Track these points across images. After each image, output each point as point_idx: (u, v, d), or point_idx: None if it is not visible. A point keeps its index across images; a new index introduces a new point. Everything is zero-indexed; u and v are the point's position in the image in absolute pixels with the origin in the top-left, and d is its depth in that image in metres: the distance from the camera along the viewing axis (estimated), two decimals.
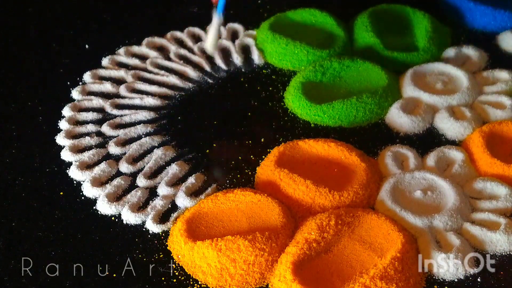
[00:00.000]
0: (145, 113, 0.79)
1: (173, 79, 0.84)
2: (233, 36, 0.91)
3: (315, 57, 0.85)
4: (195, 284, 0.62)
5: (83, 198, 0.70)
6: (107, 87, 0.83)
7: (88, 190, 0.70)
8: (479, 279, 0.62)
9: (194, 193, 0.70)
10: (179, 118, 0.79)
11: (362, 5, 0.92)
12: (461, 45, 0.88)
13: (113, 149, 0.75)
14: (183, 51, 0.88)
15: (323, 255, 0.62)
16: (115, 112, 0.79)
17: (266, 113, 0.80)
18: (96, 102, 0.81)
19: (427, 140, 0.76)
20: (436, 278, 0.62)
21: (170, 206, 0.69)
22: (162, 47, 0.89)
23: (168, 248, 0.65)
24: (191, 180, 0.71)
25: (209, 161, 0.74)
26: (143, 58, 0.87)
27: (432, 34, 0.87)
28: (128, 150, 0.74)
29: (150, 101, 0.81)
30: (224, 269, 0.61)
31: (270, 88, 0.83)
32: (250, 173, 0.72)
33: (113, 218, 0.68)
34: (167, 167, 0.73)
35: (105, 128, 0.77)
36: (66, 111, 0.79)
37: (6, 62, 0.88)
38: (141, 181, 0.71)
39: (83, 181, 0.71)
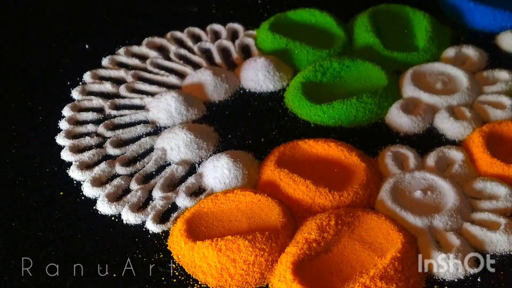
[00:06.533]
0: (145, 113, 0.79)
1: (173, 79, 0.84)
2: (233, 36, 0.91)
3: (315, 57, 0.85)
4: (195, 284, 0.62)
5: (83, 198, 0.70)
6: (107, 87, 0.83)
7: (88, 190, 0.70)
8: (479, 279, 0.62)
9: (194, 193, 0.70)
10: None
11: (362, 5, 0.92)
12: (461, 45, 0.88)
13: (112, 149, 0.75)
14: (183, 51, 0.88)
15: (323, 255, 0.62)
16: (115, 112, 0.79)
17: (266, 113, 0.80)
18: (96, 102, 0.81)
19: (427, 140, 0.76)
20: (436, 278, 0.62)
21: (170, 206, 0.69)
22: (162, 47, 0.89)
23: (168, 248, 0.65)
24: (191, 180, 0.71)
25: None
26: (143, 58, 0.87)
27: (432, 34, 0.87)
28: (128, 150, 0.74)
29: (150, 101, 0.81)
30: (224, 269, 0.61)
31: None
32: None
33: (113, 218, 0.68)
34: (167, 167, 0.73)
35: (105, 128, 0.77)
36: (66, 111, 0.79)
37: (6, 62, 0.88)
38: (140, 181, 0.71)
39: (83, 181, 0.71)
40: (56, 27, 0.94)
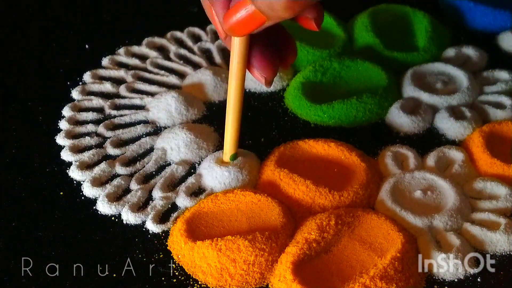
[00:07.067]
0: (145, 113, 0.79)
1: (173, 79, 0.84)
2: None
3: (315, 57, 0.85)
4: (195, 284, 0.62)
5: (83, 198, 0.70)
6: (107, 87, 0.83)
7: (88, 190, 0.70)
8: (479, 279, 0.62)
9: (194, 193, 0.70)
10: None
11: (362, 5, 0.92)
12: (461, 45, 0.88)
13: (112, 149, 0.75)
14: (183, 51, 0.88)
15: (323, 255, 0.62)
16: (115, 112, 0.79)
17: (266, 113, 0.80)
18: (96, 102, 0.81)
19: (427, 140, 0.76)
20: (436, 278, 0.62)
21: (170, 206, 0.69)
22: (162, 47, 0.89)
23: (168, 248, 0.65)
24: (191, 180, 0.71)
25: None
26: (143, 58, 0.87)
27: (432, 34, 0.87)
28: (128, 150, 0.74)
29: (150, 101, 0.80)
30: (224, 269, 0.61)
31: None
32: None
33: (113, 218, 0.68)
34: (167, 167, 0.73)
35: (105, 128, 0.77)
36: (66, 111, 0.79)
37: (6, 62, 0.88)
38: (140, 181, 0.71)
39: (83, 181, 0.71)
40: (56, 27, 0.94)
